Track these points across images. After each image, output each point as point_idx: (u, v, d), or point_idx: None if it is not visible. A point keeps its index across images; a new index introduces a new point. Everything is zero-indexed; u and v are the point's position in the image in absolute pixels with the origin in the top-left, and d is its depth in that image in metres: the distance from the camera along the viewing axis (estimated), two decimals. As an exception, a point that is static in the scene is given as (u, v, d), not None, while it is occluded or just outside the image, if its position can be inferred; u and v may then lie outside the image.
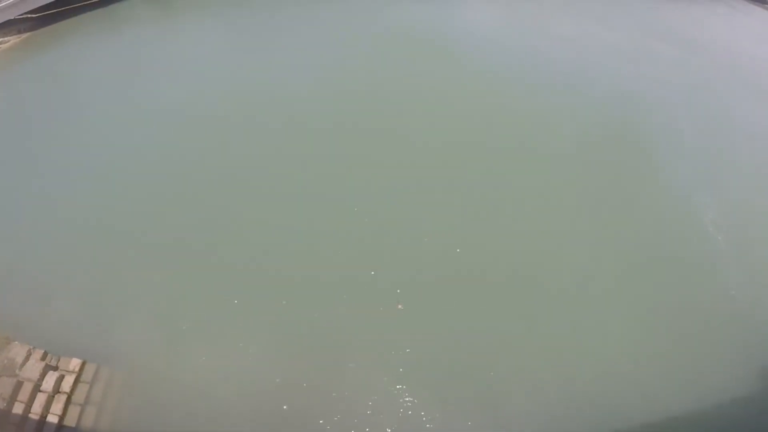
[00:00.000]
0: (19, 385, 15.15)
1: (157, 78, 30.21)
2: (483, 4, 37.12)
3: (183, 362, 14.94)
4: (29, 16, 71.90)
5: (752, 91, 28.67)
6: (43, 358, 15.51)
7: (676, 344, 15.57)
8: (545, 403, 14.07)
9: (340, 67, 27.35)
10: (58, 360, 15.49)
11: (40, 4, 66.61)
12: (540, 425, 13.72)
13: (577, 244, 18.01)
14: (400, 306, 16.09)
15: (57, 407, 14.60)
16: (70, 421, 14.44)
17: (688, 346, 15.72)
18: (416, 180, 20.27)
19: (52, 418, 14.48)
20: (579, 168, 21.08)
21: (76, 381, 14.88)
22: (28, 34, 68.04)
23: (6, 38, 66.54)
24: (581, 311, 16.19)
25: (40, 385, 14.94)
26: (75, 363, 15.18)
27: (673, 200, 20.01)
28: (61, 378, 14.97)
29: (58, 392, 14.84)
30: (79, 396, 14.74)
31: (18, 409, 14.61)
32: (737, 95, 27.55)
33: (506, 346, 15.28)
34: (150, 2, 60.09)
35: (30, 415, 14.57)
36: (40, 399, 14.74)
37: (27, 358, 15.65)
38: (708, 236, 18.89)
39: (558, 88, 25.91)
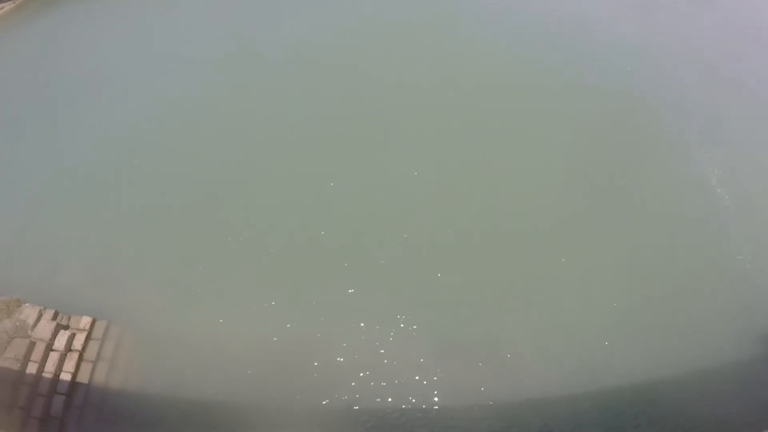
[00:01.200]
0: (32, 345, 15.45)
1: (161, 31, 30.09)
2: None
3: (191, 319, 15.26)
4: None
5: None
6: (54, 318, 15.90)
7: (677, 299, 15.57)
8: (548, 351, 14.30)
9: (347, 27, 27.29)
10: (69, 319, 15.90)
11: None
12: (544, 372, 13.93)
13: (581, 201, 17.91)
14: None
15: (69, 365, 15.00)
16: (83, 377, 14.86)
17: (690, 301, 15.73)
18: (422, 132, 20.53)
19: (65, 376, 14.88)
20: (582, 120, 20.87)
21: (87, 338, 15.31)
22: None
23: (2, 4, 65.58)
24: (585, 268, 16.29)
25: (52, 345, 15.32)
26: (85, 321, 15.60)
27: (679, 156, 19.80)
28: (72, 336, 15.37)
29: (70, 350, 15.25)
30: (91, 353, 15.15)
31: (32, 368, 14.99)
32: (749, 53, 26.77)
33: (511, 297, 15.54)
34: None
35: (44, 374, 14.95)
36: (53, 358, 15.12)
37: (38, 319, 15.98)
38: (713, 192, 18.75)
39: (561, 42, 25.45)
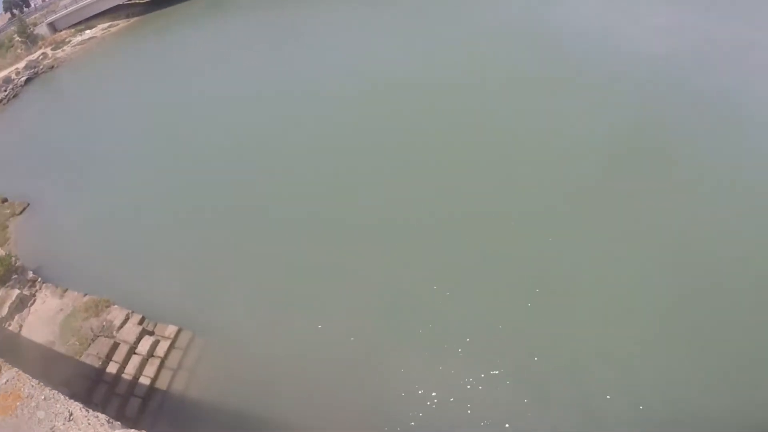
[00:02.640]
0: (115, 346, 15.61)
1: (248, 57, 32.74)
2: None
3: (275, 338, 15.04)
4: (137, 1, 76.35)
5: None
6: (140, 323, 16.03)
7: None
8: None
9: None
10: (155, 326, 15.97)
11: (147, -9, 70.48)
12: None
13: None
14: None
15: (150, 370, 14.79)
16: (162, 384, 14.60)
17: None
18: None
19: (144, 380, 14.56)
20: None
21: (171, 347, 15.21)
22: (135, 18, 72.48)
23: (116, 22, 71.09)
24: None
25: (135, 348, 15.27)
26: (171, 330, 15.59)
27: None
28: (156, 343, 15.32)
29: (152, 356, 15.10)
30: (173, 361, 15.00)
31: (112, 368, 14.94)
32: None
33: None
34: None
35: (123, 375, 14.78)
36: (134, 361, 15.00)
37: (125, 322, 16.11)
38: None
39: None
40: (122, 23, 72.30)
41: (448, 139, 21.43)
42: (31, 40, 69.51)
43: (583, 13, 31.79)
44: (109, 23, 71.76)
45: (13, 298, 17.79)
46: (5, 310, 17.35)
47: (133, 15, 75.38)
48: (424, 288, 15.29)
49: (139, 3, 78.09)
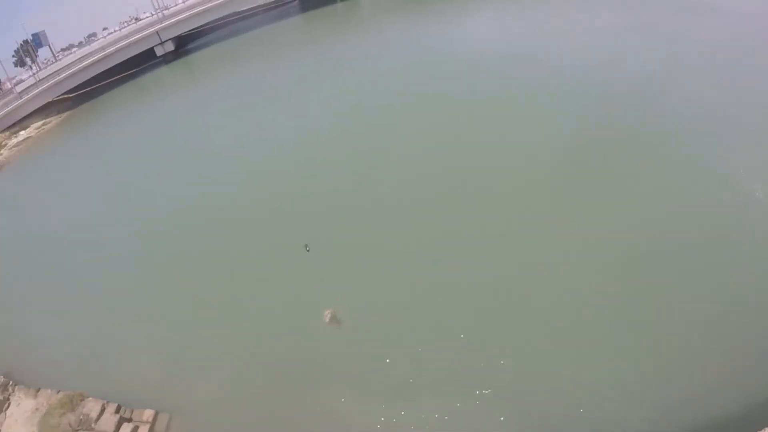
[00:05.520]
0: (95, 437, 16.95)
1: (187, 130, 39.51)
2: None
3: (256, 416, 15.54)
4: (66, 96, 77.27)
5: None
6: (117, 411, 16.65)
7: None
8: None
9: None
10: (132, 412, 16.63)
11: (75, 84, 71.92)
12: None
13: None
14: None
15: None
16: None
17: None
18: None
19: None
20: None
21: (151, 430, 15.98)
22: (67, 113, 73.15)
23: (48, 119, 71.49)
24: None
25: None
26: (149, 414, 16.29)
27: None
28: (135, 429, 15.98)
29: None
30: None
31: None
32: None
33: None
34: (172, 69, 67.24)
35: None
36: None
37: (102, 413, 16.69)
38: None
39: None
40: (54, 120, 72.85)
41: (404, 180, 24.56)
42: (-34, 148, 68.54)
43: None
44: (42, 121, 72.17)
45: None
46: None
47: (64, 110, 76.19)
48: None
49: (67, 98, 79.03)
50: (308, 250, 20.22)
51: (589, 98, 27.22)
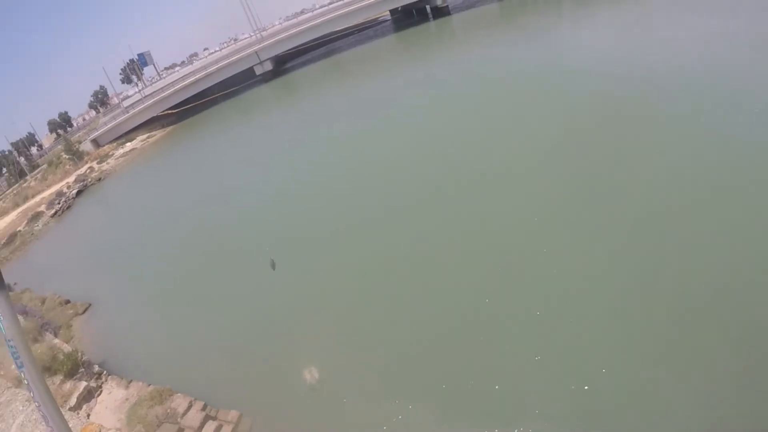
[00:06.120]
0: (180, 431, 16.89)
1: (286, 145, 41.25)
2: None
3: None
4: (170, 111, 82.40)
5: None
6: (203, 409, 16.54)
7: None
8: None
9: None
10: (217, 412, 16.50)
11: (178, 101, 76.56)
12: None
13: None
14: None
15: None
16: None
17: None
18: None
19: None
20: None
21: (234, 431, 15.66)
22: (170, 127, 77.88)
23: (152, 132, 76.44)
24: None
25: None
26: (233, 415, 16.07)
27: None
28: (219, 428, 15.76)
29: None
30: None
31: None
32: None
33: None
34: (271, 87, 69.85)
35: None
36: None
37: (188, 409, 16.90)
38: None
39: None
40: (159, 133, 78.09)
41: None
42: (77, 156, 75.57)
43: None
44: (147, 134, 77.62)
45: (81, 389, 18.84)
46: (74, 400, 18.43)
47: (168, 124, 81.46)
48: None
49: (171, 113, 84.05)
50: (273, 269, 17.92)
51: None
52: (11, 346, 3.15)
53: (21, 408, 14.88)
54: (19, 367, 3.27)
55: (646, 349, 13.16)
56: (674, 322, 13.60)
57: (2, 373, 20.06)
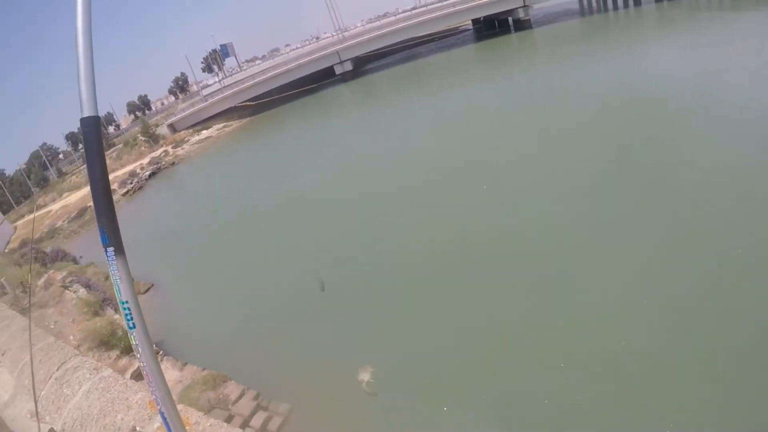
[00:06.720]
0: (230, 417, 16.91)
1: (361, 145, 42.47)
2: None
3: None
4: (248, 103, 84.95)
5: None
6: (255, 398, 16.79)
7: None
8: None
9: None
10: (269, 402, 16.66)
11: (257, 94, 78.74)
12: None
13: None
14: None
15: None
16: None
17: None
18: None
19: None
20: None
21: (284, 423, 15.73)
22: (247, 119, 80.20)
23: (229, 122, 78.91)
24: None
25: (249, 422, 15.91)
26: (284, 407, 16.16)
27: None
28: (269, 419, 15.92)
29: (266, 430, 15.71)
30: None
31: None
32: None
33: None
34: (350, 87, 70.54)
35: None
36: None
37: (240, 396, 17.07)
38: None
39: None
40: (235, 123, 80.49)
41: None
42: (153, 139, 79.01)
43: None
44: (224, 124, 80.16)
45: (135, 367, 19.49)
46: (128, 376, 18.94)
47: (245, 116, 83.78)
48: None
49: (249, 105, 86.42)
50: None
51: None
52: (125, 308, 3.72)
53: (88, 375, 15.28)
54: (130, 328, 3.79)
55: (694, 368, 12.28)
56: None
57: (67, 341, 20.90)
